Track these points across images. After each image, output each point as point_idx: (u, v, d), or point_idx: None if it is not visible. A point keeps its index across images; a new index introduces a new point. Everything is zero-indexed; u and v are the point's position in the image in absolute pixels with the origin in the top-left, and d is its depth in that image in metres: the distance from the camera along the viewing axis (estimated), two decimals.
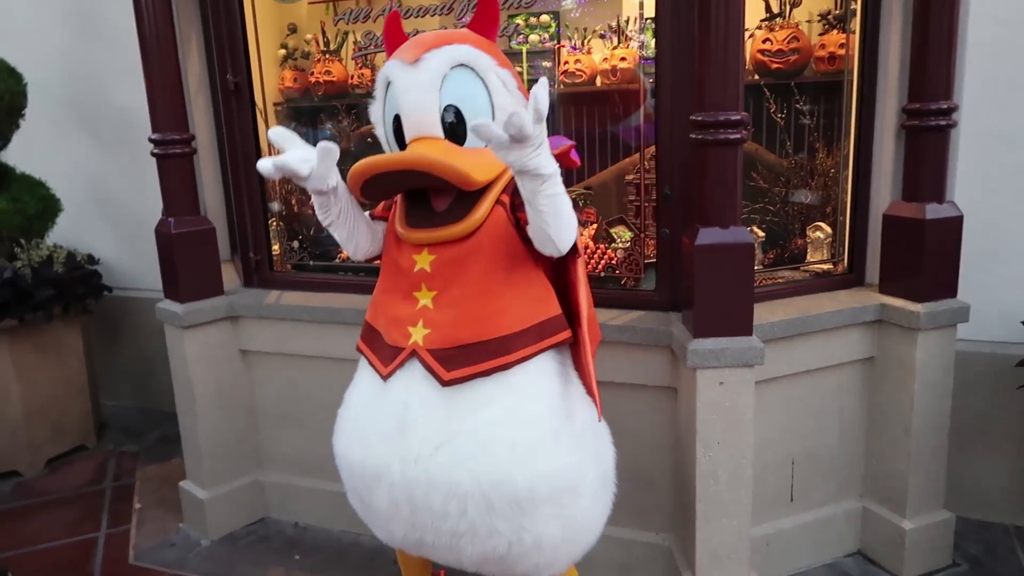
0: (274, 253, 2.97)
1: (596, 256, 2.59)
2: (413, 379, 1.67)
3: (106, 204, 4.01)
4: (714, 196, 1.99)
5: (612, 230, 2.71)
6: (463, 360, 1.63)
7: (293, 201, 3.20)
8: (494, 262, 1.67)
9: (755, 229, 2.60)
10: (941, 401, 2.35)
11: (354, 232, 1.85)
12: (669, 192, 2.25)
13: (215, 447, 2.82)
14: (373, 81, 2.99)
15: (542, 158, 1.44)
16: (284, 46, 3.20)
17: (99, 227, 4.01)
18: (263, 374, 2.85)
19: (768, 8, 2.57)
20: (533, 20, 2.83)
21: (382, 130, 1.82)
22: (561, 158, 1.69)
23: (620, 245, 2.62)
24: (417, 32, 2.01)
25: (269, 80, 3.04)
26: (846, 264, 2.54)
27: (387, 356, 1.73)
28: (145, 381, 4.01)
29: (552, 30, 2.85)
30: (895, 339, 2.33)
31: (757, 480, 2.29)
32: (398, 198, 1.83)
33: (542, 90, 1.36)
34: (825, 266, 2.57)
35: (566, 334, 1.74)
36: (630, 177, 2.63)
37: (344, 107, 3.10)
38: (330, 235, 1.87)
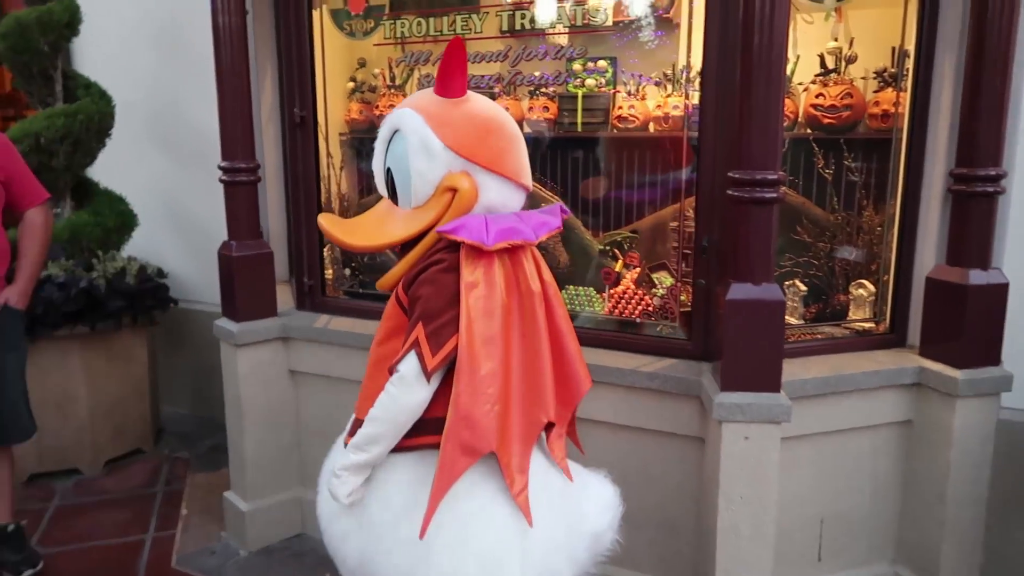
0: (328, 278, 3.11)
1: (634, 302, 2.62)
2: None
3: (178, 220, 4.24)
4: (748, 252, 2.01)
5: (654, 275, 2.74)
6: (354, 431, 1.72)
7: None
8: (385, 340, 1.74)
9: (797, 283, 2.60)
10: (979, 471, 2.29)
11: None
12: (706, 243, 2.28)
13: (259, 461, 2.94)
14: None
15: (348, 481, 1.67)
16: (353, 79, 3.35)
17: (169, 241, 4.25)
18: (309, 394, 2.96)
19: (823, 64, 2.58)
20: (591, 65, 2.90)
21: None
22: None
23: (660, 291, 2.65)
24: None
25: (335, 112, 3.19)
26: (888, 324, 2.51)
27: None
28: (202, 390, 4.20)
29: (609, 75, 2.91)
30: (933, 404, 2.29)
31: (784, 537, 2.28)
32: None
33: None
34: (867, 324, 2.55)
35: (432, 438, 1.60)
36: (674, 224, 2.66)
37: None
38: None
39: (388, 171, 1.70)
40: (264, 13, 3.18)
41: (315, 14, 2.94)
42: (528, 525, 1.61)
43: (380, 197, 1.80)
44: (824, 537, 2.40)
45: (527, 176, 1.73)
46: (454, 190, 1.61)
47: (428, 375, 1.55)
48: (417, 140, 1.61)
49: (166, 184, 4.23)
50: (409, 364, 1.55)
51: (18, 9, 3.67)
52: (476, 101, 1.71)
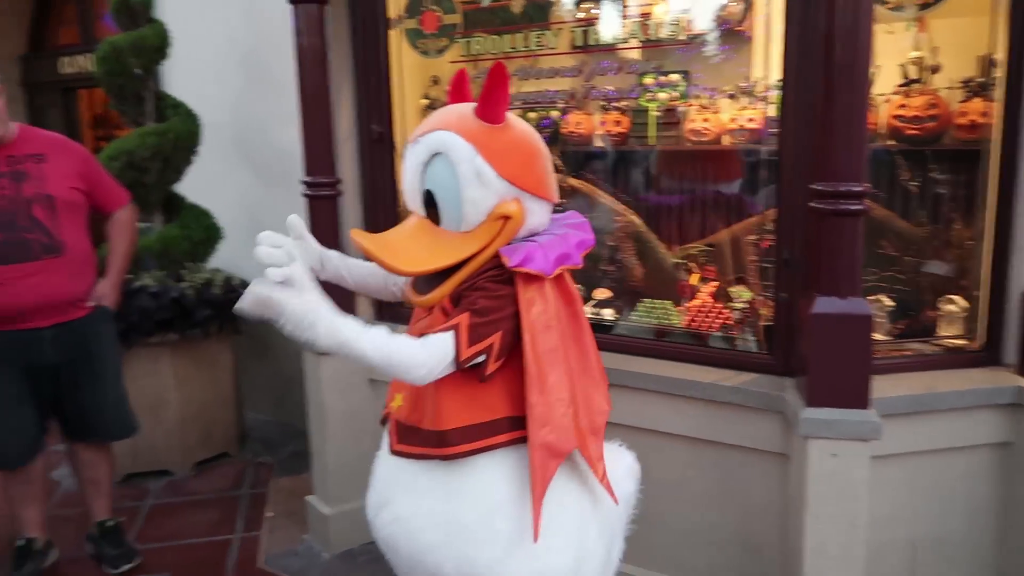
0: None
1: (712, 315, 2.60)
2: (386, 439, 1.84)
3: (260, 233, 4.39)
4: (833, 265, 1.97)
5: (732, 289, 2.71)
6: (413, 439, 1.73)
7: None
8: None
9: (883, 298, 2.53)
10: None
11: (362, 285, 2.01)
12: (788, 257, 2.25)
13: (340, 467, 3.02)
14: None
15: (314, 335, 1.55)
16: (426, 96, 3.43)
17: (252, 253, 4.39)
18: None
19: (905, 74, 2.52)
20: (663, 79, 2.90)
21: None
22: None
23: (739, 305, 2.63)
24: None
25: (410, 128, 3.25)
26: (982, 341, 2.42)
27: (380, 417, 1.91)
28: (284, 398, 4.34)
29: (681, 89, 2.90)
30: None
31: (876, 559, 2.21)
32: None
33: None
34: (958, 341, 2.46)
35: (507, 436, 1.69)
36: (752, 238, 2.63)
37: None
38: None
39: (427, 192, 1.69)
40: (342, 34, 3.27)
41: (391, 34, 3.02)
42: (614, 502, 1.80)
43: None
44: (918, 562, 2.32)
45: (557, 191, 1.79)
46: (506, 217, 1.65)
47: (459, 363, 1.58)
48: (470, 169, 1.63)
49: (249, 199, 4.40)
50: (442, 342, 1.57)
51: (113, 35, 3.87)
52: (516, 125, 1.73)
